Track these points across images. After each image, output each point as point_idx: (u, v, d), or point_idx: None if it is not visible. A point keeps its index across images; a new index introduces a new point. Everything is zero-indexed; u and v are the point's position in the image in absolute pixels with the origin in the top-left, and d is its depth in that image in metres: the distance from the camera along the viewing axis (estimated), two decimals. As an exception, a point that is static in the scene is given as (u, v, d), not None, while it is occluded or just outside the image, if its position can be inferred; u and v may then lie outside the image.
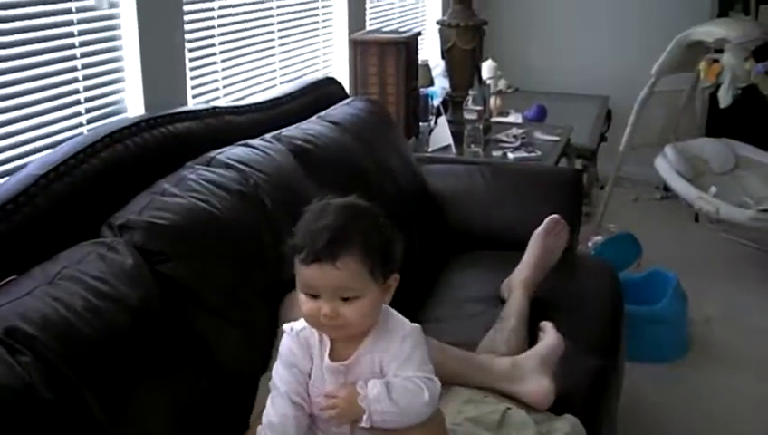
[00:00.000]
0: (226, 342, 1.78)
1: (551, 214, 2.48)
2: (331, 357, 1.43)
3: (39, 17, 2.02)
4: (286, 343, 1.46)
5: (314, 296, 1.37)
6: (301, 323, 1.46)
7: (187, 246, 1.79)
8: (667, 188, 4.75)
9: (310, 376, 1.43)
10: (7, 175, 1.90)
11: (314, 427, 1.46)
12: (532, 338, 2.12)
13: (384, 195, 2.47)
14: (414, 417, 1.39)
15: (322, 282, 1.35)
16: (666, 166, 4.46)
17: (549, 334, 2.05)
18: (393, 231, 1.43)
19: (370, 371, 1.42)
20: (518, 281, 2.36)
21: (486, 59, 4.32)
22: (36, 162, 1.86)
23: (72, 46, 2.13)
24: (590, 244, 3.99)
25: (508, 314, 2.23)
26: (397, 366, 1.40)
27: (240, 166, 2.08)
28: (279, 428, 1.41)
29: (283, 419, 1.41)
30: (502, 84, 4.69)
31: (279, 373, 1.44)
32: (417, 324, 1.46)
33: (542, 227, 2.46)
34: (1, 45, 1.91)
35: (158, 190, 1.88)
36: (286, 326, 1.48)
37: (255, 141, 2.25)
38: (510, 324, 2.18)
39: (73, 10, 2.12)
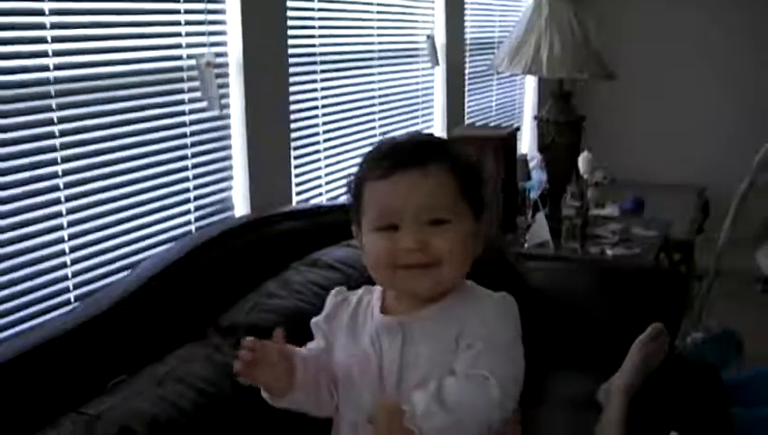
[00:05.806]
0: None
1: (652, 320, 2.44)
2: (384, 311, 1.12)
3: (155, 120, 2.11)
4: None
5: (391, 229, 1.07)
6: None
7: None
8: (768, 281, 4.63)
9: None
10: (125, 269, 1.99)
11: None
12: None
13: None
14: (478, 423, 1.03)
15: (406, 199, 1.05)
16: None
17: None
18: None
19: (441, 346, 1.06)
20: (618, 387, 2.31)
21: (583, 150, 4.30)
22: (148, 262, 1.94)
23: (184, 147, 2.22)
24: (688, 340, 3.88)
25: (608, 421, 2.20)
26: (469, 345, 1.04)
27: (343, 267, 2.11)
28: None
29: None
30: (598, 176, 4.66)
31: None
32: (508, 295, 1.11)
33: (644, 334, 2.42)
34: (123, 147, 2.01)
35: (264, 292, 1.93)
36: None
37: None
38: (610, 431, 2.15)
39: (186, 112, 2.21)
